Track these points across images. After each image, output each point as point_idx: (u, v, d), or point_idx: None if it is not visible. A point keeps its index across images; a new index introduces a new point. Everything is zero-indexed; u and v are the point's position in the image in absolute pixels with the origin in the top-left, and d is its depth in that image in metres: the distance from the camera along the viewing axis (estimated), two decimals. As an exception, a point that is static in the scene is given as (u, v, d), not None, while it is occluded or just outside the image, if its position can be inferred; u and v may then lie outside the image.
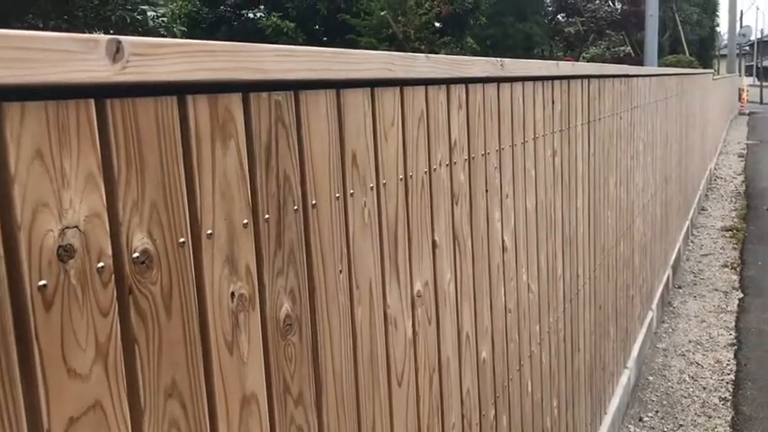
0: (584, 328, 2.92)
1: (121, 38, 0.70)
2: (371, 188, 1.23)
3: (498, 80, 1.81)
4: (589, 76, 2.86)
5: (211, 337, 0.86)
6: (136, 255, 0.75)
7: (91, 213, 0.69)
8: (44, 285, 0.65)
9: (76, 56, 0.66)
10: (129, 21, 7.30)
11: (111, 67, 0.69)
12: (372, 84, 1.21)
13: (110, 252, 0.72)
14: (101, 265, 0.70)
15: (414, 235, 1.38)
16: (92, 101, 0.70)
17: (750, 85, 37.33)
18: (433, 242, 1.47)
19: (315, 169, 1.07)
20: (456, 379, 1.61)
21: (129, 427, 0.74)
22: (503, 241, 1.90)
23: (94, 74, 0.68)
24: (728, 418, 3.79)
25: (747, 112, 27.14)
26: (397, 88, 1.30)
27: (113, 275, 0.72)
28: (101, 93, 0.71)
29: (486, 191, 1.76)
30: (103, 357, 0.71)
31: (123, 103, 0.73)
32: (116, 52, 0.70)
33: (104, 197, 0.71)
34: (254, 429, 0.95)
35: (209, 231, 0.86)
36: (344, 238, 1.15)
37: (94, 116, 0.70)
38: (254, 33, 13.10)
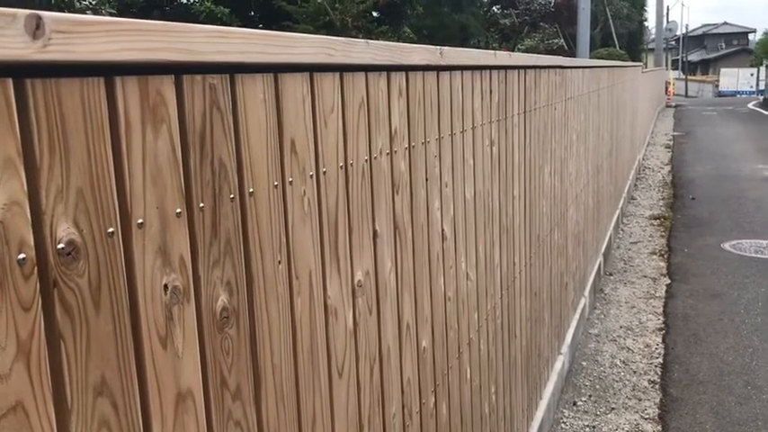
0: (520, 315, 2.96)
1: (42, 13, 0.66)
2: (311, 176, 1.20)
3: (438, 68, 1.80)
4: (525, 67, 2.89)
5: (143, 331, 0.82)
6: (61, 246, 0.70)
7: (10, 201, 0.65)
8: (-42, 279, 0.60)
9: (-8, 31, 0.61)
10: (53, 2, 7.00)
11: (32, 44, 0.64)
12: (311, 69, 1.18)
13: (32, 243, 0.67)
14: (22, 256, 0.66)
15: (354, 224, 1.36)
16: (10, 80, 0.65)
17: (676, 79, 38.69)
18: (374, 231, 1.45)
19: (252, 156, 1.03)
20: (397, 368, 1.60)
21: (55, 428, 0.70)
22: (442, 230, 1.90)
23: (12, 51, 0.63)
24: (657, 401, 3.92)
25: (674, 104, 28.10)
26: (337, 74, 1.28)
27: (36, 267, 0.67)
28: (20, 72, 0.66)
29: (427, 180, 1.75)
30: (25, 355, 0.67)
31: (45, 83, 0.69)
32: (36, 28, 0.65)
33: (25, 184, 0.66)
34: (190, 426, 0.91)
35: (140, 221, 0.81)
36: (283, 227, 1.12)
37: (13, 97, 0.65)
38: (187, 19, 12.75)
